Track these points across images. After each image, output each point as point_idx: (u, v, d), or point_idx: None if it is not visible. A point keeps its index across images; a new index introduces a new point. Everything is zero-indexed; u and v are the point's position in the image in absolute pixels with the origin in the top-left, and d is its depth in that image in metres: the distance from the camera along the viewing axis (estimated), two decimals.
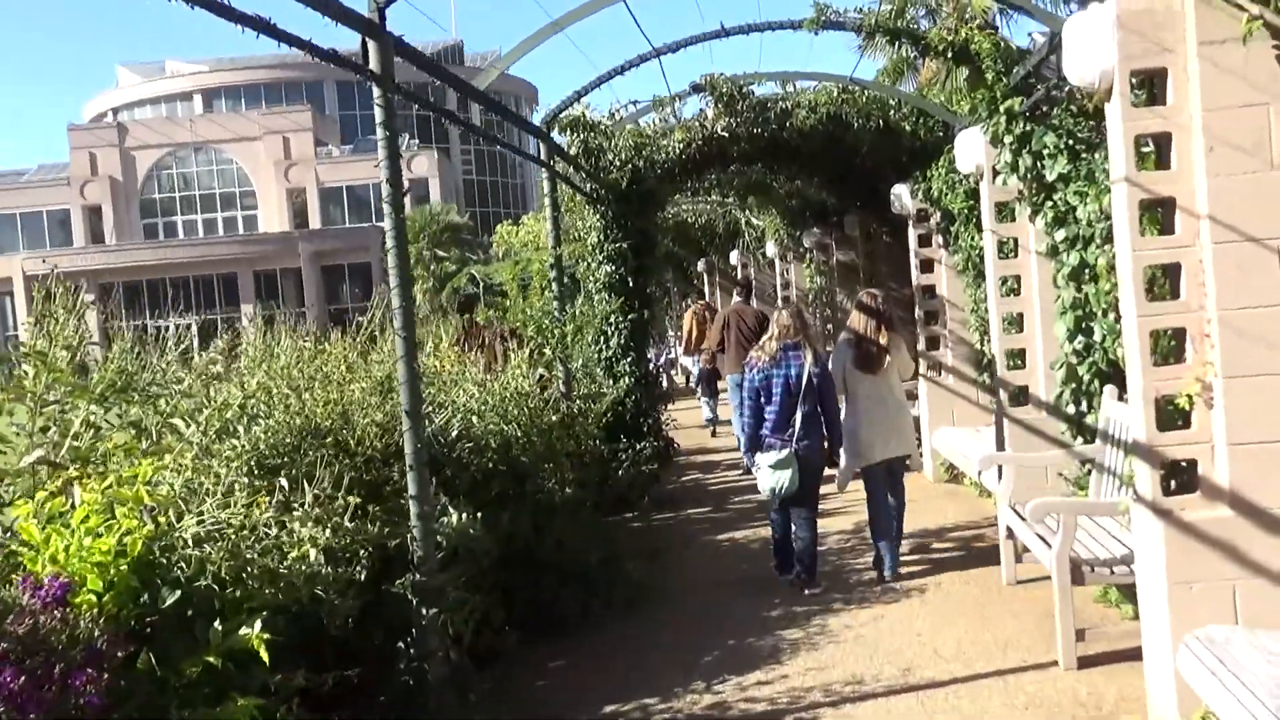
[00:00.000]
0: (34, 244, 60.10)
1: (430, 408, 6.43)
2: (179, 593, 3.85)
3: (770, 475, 7.19)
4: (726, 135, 11.41)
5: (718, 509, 10.51)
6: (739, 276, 21.19)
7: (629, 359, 10.73)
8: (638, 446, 10.51)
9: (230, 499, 4.18)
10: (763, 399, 7.23)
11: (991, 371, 10.23)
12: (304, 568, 4.19)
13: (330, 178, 61.62)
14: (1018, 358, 7.83)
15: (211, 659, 3.89)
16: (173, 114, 68.29)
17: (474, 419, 6.27)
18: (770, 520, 7.66)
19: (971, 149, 7.57)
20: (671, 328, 31.13)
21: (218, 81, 70.00)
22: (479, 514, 5.55)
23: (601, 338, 10.85)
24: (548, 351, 7.26)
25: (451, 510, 5.46)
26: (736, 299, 15.67)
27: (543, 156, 8.10)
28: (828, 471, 7.53)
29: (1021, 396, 7.72)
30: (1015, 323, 7.78)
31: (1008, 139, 7.23)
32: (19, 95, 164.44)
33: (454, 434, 6.19)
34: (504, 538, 6.33)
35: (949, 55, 8.08)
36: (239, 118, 63.69)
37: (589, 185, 10.43)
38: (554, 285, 8.19)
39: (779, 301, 20.50)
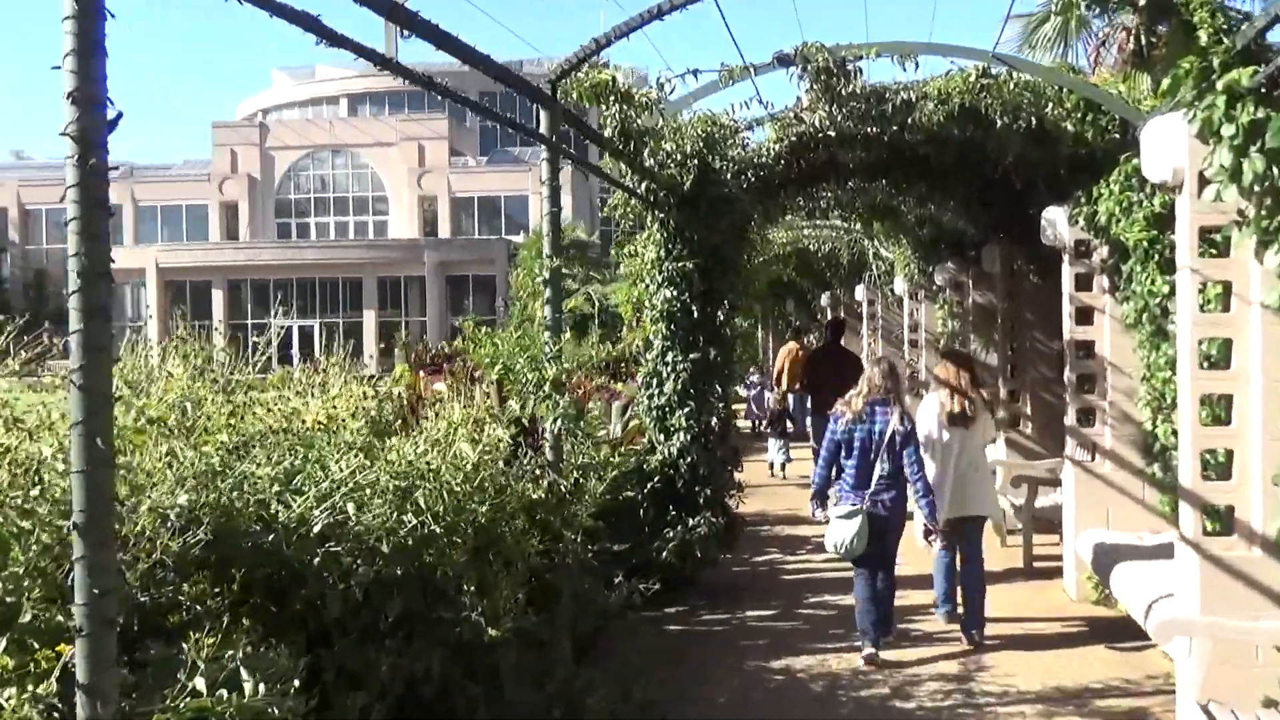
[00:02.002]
0: (172, 237, 60.84)
1: (303, 482, 4.25)
2: None
3: (836, 528, 6.93)
4: (834, 135, 9.02)
5: (785, 613, 8.08)
6: (829, 316, 19.86)
7: (685, 410, 8.39)
8: (690, 523, 8.20)
9: None
10: (843, 453, 7.00)
11: (1164, 463, 7.60)
12: None
13: (462, 187, 60.73)
14: (1219, 461, 5.25)
15: None
16: (318, 117, 68.60)
17: (350, 507, 4.04)
18: (855, 587, 7.10)
19: (1166, 146, 5.05)
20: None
21: (364, 87, 69.91)
22: (297, 677, 3.34)
23: (654, 381, 8.56)
24: (513, 403, 5.04)
25: (247, 675, 3.25)
26: (827, 337, 14.56)
27: (542, 129, 5.87)
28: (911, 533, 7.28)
29: (1222, 522, 5.12)
30: (1218, 408, 5.21)
31: (1227, 130, 4.71)
32: (185, 92, 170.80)
33: (316, 529, 3.98)
34: (398, 685, 4.15)
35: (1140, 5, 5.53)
36: (377, 123, 63.47)
37: (642, 184, 8.14)
38: (546, 309, 5.94)
39: (905, 345, 18.03)
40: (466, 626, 4.27)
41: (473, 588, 4.36)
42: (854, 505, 6.87)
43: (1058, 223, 8.11)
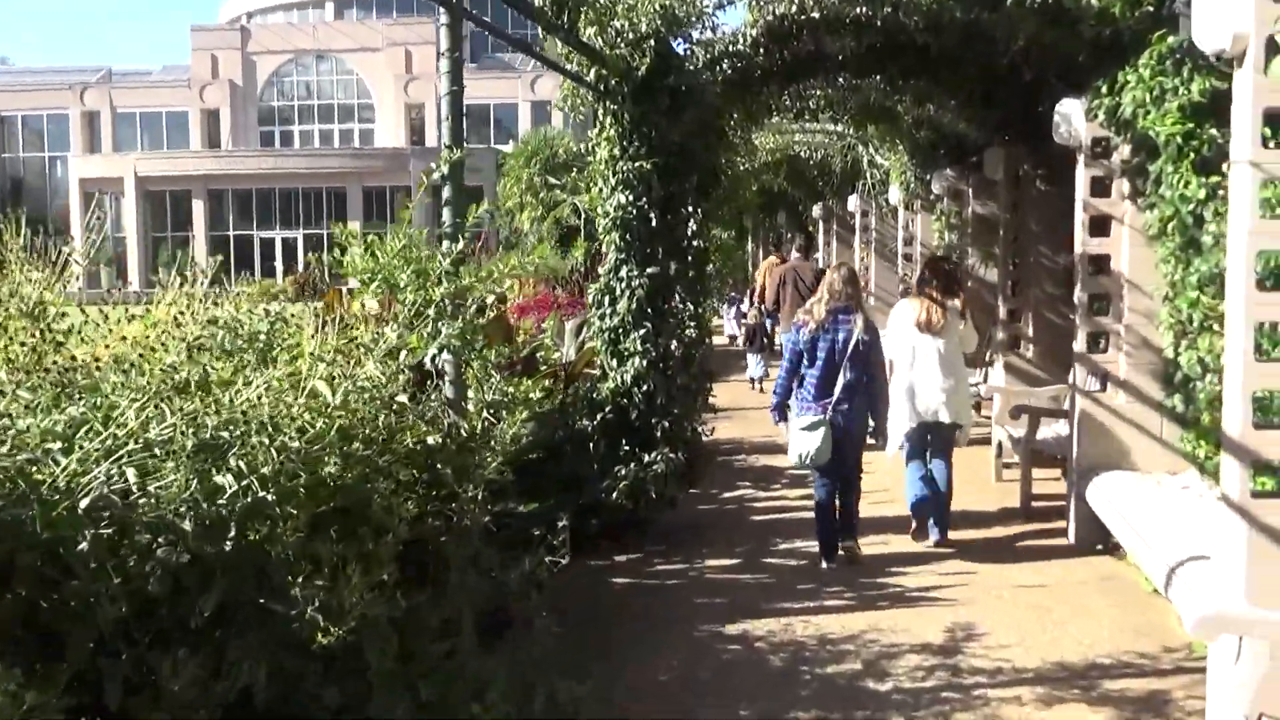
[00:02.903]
0: (153, 145, 59.28)
1: (86, 438, 3.23)
2: None
3: (800, 439, 6.86)
4: (818, 18, 7.89)
5: (750, 561, 7.14)
6: (793, 230, 19.60)
7: (641, 332, 7.36)
8: (645, 459, 7.23)
9: None
10: (805, 362, 6.97)
11: (1187, 395, 6.60)
12: None
13: None
14: (1271, 405, 4.23)
15: None
16: (304, 20, 66.38)
17: (130, 472, 3.03)
18: (815, 491, 7.18)
19: (1225, 4, 3.94)
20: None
21: None
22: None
23: (606, 299, 7.52)
24: (389, 332, 3.99)
25: None
26: (795, 254, 14.13)
27: None
28: (870, 442, 7.23)
29: (1278, 480, 4.11)
30: (1261, 338, 4.17)
31: None
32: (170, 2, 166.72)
33: (84, 502, 2.97)
34: (219, 695, 3.21)
35: None
36: (363, 27, 61.43)
37: (590, 70, 7.03)
38: (445, 212, 4.95)
39: (899, 258, 16.97)
40: (304, 622, 3.29)
41: (326, 569, 3.36)
42: (816, 416, 6.84)
43: (1073, 117, 7.00)
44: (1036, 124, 9.29)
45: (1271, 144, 4.04)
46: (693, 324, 10.01)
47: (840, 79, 10.45)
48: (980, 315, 12.59)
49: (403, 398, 4.66)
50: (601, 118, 7.40)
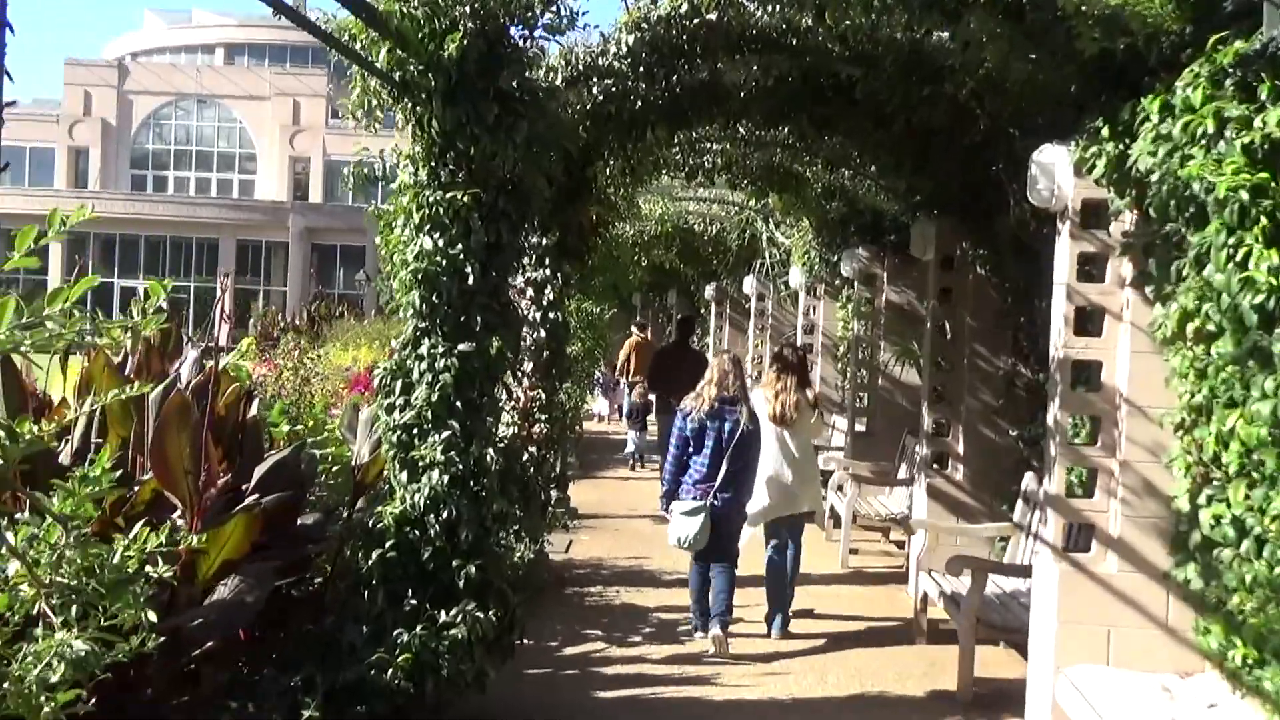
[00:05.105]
0: (13, 180, 55.22)
1: None
2: None
3: (679, 523, 6.95)
4: (714, 20, 5.91)
5: None
6: (678, 315, 18.51)
7: (446, 434, 5.09)
8: (439, 619, 4.96)
9: None
10: (691, 449, 7.00)
11: (1206, 565, 4.62)
12: None
13: (339, 150, 56.23)
14: None
15: None
16: (191, 64, 63.36)
17: None
18: (690, 577, 7.11)
19: None
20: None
21: (244, 37, 64.95)
22: None
23: (398, 383, 5.25)
24: None
25: None
26: (676, 337, 13.69)
27: None
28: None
29: None
30: None
31: None
32: (51, 30, 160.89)
33: None
34: None
35: None
36: (250, 74, 58.65)
37: (383, 50, 4.89)
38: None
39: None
40: None
41: None
42: (698, 502, 6.89)
43: (1056, 170, 5.04)
44: (979, 192, 7.51)
45: None
46: (543, 416, 7.93)
47: (741, 128, 8.56)
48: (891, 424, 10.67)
49: None
50: (404, 126, 5.25)
